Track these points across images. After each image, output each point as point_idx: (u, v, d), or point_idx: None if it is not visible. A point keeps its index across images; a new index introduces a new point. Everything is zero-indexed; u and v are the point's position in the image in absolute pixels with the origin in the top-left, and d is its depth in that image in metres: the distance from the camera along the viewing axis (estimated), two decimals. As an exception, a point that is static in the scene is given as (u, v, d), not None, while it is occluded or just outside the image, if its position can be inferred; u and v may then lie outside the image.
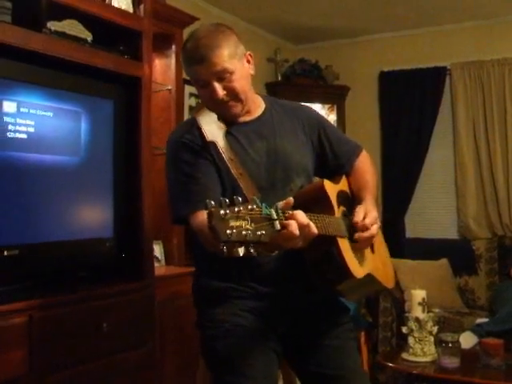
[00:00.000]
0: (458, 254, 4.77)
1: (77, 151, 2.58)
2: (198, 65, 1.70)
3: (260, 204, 1.31)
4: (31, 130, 2.37)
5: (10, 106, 2.29)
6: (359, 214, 1.78)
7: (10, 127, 2.29)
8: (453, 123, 5.19)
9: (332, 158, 1.97)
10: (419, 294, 3.27)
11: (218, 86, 1.71)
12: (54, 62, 2.41)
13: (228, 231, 1.23)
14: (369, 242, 1.83)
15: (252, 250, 1.29)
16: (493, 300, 4.41)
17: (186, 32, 3.51)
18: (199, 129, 1.77)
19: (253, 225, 1.26)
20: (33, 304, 2.23)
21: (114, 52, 2.68)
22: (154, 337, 2.79)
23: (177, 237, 3.40)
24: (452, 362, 3.04)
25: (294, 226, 1.37)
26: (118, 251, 2.73)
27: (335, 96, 5.53)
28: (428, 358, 3.17)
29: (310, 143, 1.94)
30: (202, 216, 1.59)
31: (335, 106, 5.50)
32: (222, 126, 1.78)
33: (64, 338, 2.33)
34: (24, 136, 2.35)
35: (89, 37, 2.57)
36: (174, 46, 3.43)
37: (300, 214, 1.41)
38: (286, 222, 1.36)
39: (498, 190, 4.95)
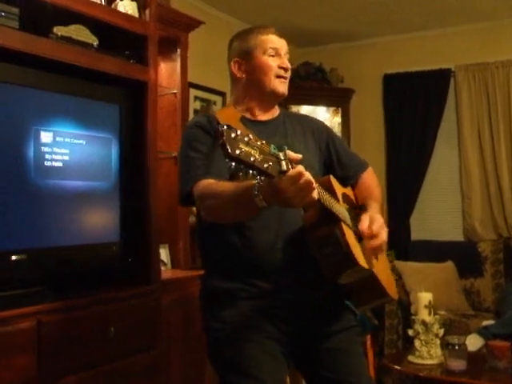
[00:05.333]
0: (463, 256, 4.75)
1: (108, 176, 2.68)
2: (278, 37, 2.00)
3: (269, 144, 1.33)
4: (66, 158, 2.45)
5: (46, 136, 2.37)
6: (364, 222, 1.76)
7: (47, 156, 2.37)
8: (457, 125, 5.19)
9: (339, 169, 2.03)
10: (425, 297, 3.26)
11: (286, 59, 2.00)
12: (61, 66, 2.42)
13: (237, 151, 1.24)
14: (380, 249, 1.82)
15: (258, 181, 1.38)
16: (499, 302, 4.39)
17: (191, 36, 3.52)
18: (215, 118, 1.86)
19: (261, 156, 1.28)
20: (41, 309, 2.24)
21: (120, 56, 2.69)
22: (161, 340, 2.79)
23: (183, 240, 3.40)
24: (458, 364, 3.03)
25: (298, 172, 1.36)
26: (124, 255, 2.73)
27: (340, 99, 5.52)
28: (434, 361, 3.16)
29: (318, 149, 2.01)
30: (207, 181, 1.69)
31: (340, 109, 5.50)
32: (239, 116, 1.85)
33: (72, 343, 2.33)
34: (60, 164, 2.43)
35: (95, 42, 2.58)
36: (179, 50, 3.42)
37: (303, 169, 1.39)
38: (293, 166, 1.36)
39: (503, 192, 4.94)
